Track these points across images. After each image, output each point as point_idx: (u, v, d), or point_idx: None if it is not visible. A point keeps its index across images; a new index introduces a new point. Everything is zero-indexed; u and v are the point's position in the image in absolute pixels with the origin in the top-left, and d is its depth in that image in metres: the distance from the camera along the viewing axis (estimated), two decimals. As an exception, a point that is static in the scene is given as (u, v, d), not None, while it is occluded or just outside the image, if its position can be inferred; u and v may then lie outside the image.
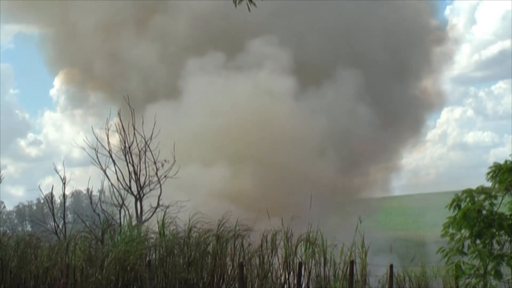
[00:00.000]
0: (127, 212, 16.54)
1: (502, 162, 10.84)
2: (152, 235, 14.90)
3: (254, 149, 31.48)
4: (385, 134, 38.46)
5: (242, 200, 28.10)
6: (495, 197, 10.76)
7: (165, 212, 15.52)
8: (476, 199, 10.73)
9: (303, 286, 15.07)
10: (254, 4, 8.30)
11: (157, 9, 36.89)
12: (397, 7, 41.51)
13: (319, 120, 33.26)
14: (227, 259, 14.90)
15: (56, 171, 17.48)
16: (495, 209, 10.72)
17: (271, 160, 31.42)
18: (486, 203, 10.69)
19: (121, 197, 17.00)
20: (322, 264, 15.40)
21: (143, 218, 16.82)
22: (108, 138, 17.48)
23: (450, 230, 10.77)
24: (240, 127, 31.77)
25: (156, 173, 17.34)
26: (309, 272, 15.28)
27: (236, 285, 14.54)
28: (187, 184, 23.97)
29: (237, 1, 8.31)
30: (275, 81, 32.75)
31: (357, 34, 37.00)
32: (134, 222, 15.92)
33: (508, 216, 10.68)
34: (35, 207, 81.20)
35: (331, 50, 36.29)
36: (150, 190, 17.26)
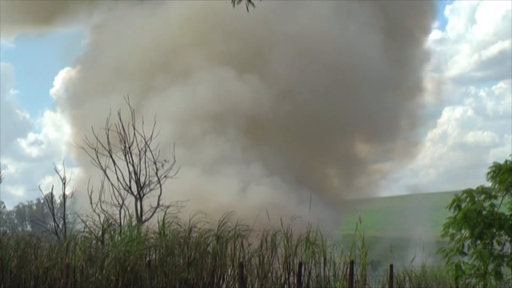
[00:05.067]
0: (127, 212, 16.52)
1: (502, 162, 10.81)
2: (152, 235, 14.89)
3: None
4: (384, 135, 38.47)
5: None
6: (495, 197, 10.73)
7: (165, 212, 15.52)
8: (476, 199, 10.70)
9: (303, 286, 15.06)
10: (253, 5, 8.26)
11: None
12: (397, 6, 41.48)
13: None
14: (227, 259, 14.90)
15: (56, 171, 17.51)
16: (495, 209, 10.69)
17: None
18: (486, 203, 10.66)
19: (121, 197, 16.98)
20: (322, 264, 15.40)
21: (143, 218, 16.80)
22: (108, 138, 17.47)
23: (450, 230, 10.75)
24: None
25: (156, 173, 17.33)
26: (309, 272, 15.28)
27: (236, 285, 14.53)
28: None
29: (235, 1, 8.25)
30: None
31: (357, 33, 36.97)
32: (134, 222, 15.90)
33: (509, 217, 10.65)
34: (35, 207, 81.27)
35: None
36: (150, 190, 17.25)
